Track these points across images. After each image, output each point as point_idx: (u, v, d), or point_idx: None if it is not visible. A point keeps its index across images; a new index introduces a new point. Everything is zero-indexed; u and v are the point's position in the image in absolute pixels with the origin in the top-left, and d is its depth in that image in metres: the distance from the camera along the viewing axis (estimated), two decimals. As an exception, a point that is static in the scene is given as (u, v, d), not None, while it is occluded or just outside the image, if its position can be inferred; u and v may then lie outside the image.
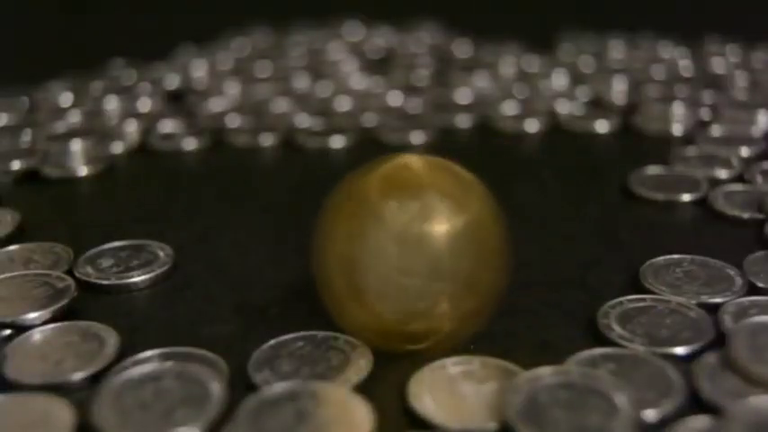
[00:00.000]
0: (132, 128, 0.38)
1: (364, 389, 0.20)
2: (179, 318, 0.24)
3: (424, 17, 0.55)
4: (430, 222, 0.19)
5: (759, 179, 0.31)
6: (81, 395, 0.20)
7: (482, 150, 0.36)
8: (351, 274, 0.20)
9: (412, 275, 0.19)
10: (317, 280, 0.21)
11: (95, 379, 0.20)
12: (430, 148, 0.36)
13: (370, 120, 0.38)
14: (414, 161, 0.20)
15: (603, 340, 0.22)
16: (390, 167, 0.20)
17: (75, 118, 0.39)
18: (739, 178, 0.31)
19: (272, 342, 0.22)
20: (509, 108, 0.39)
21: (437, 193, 0.20)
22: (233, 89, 0.43)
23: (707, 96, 0.40)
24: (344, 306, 0.21)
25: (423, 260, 0.19)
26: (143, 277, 0.25)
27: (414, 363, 0.20)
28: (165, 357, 0.21)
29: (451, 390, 0.20)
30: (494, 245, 0.20)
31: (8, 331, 0.23)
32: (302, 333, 0.22)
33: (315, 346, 0.21)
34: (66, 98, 0.42)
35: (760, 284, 0.24)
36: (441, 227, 0.19)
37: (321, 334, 0.22)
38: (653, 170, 0.32)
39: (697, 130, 0.37)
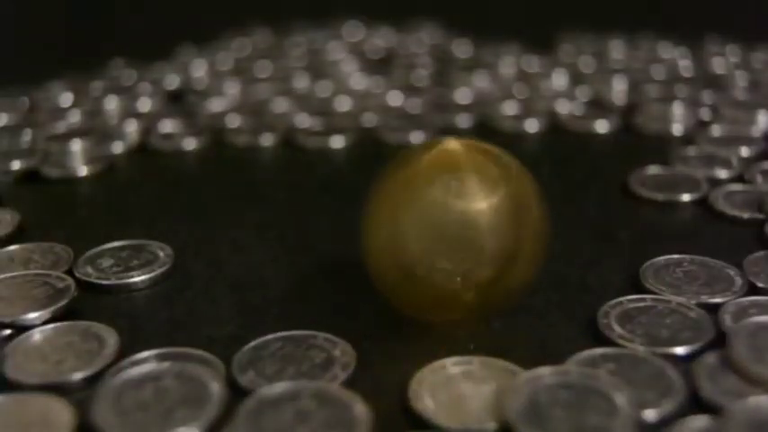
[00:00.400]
0: (132, 128, 0.38)
1: (364, 389, 0.20)
2: (179, 318, 0.24)
3: (424, 17, 0.55)
4: (471, 200, 0.21)
5: (759, 179, 0.31)
6: (81, 395, 0.20)
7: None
8: (399, 252, 0.21)
9: (457, 251, 0.21)
10: (367, 260, 0.22)
11: (95, 379, 0.20)
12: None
13: (370, 120, 0.39)
14: (454, 144, 0.21)
15: (603, 340, 0.22)
16: (435, 151, 0.21)
17: (75, 118, 0.39)
18: (739, 178, 0.31)
19: (252, 344, 0.22)
20: (509, 108, 0.39)
21: (477, 173, 0.21)
22: (233, 89, 0.43)
23: (707, 96, 0.40)
24: (394, 282, 0.22)
25: (466, 236, 0.21)
26: (143, 277, 0.25)
27: (414, 363, 0.21)
28: (161, 358, 0.21)
29: (451, 390, 0.20)
30: (533, 218, 0.22)
31: (8, 331, 0.23)
32: (280, 333, 0.22)
33: (295, 345, 0.21)
34: (66, 98, 0.42)
35: (760, 284, 0.24)
36: (482, 203, 0.21)
37: (299, 333, 0.22)
38: (653, 170, 0.32)
39: (697, 130, 0.37)
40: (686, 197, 0.30)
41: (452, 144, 0.21)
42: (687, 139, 0.36)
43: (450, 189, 0.21)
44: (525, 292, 0.22)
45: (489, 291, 0.21)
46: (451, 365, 0.20)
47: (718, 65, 0.45)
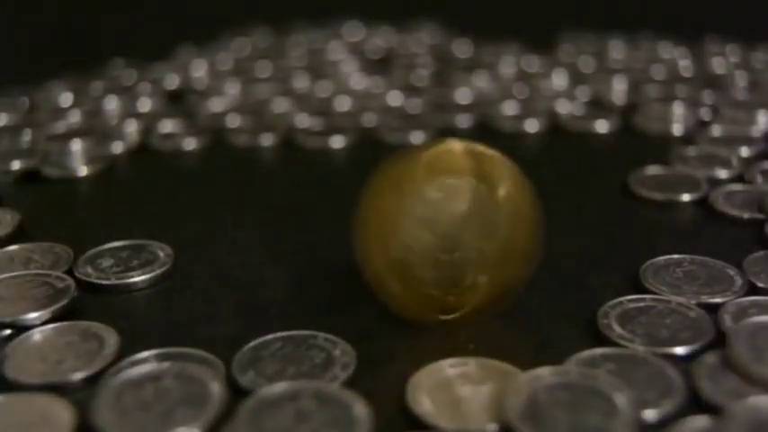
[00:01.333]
0: (132, 128, 0.38)
1: (363, 390, 0.20)
2: (179, 318, 0.24)
3: (424, 17, 0.55)
4: (468, 200, 0.21)
5: (759, 179, 0.31)
6: (81, 395, 0.20)
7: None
8: (391, 250, 0.21)
9: (451, 251, 0.21)
10: (358, 254, 0.22)
11: (95, 379, 0.20)
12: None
13: (370, 120, 0.38)
14: (454, 145, 0.22)
15: (603, 340, 0.22)
16: (432, 152, 0.22)
17: (75, 118, 0.39)
18: (739, 178, 0.31)
19: (252, 344, 0.22)
20: (509, 108, 0.39)
21: (474, 175, 0.21)
22: (233, 89, 0.43)
23: (707, 96, 0.40)
24: (384, 280, 0.22)
25: (461, 236, 0.21)
26: (143, 277, 0.25)
27: (413, 363, 0.21)
28: (161, 358, 0.21)
29: (450, 391, 0.20)
30: (527, 221, 0.22)
31: (8, 331, 0.23)
32: (280, 333, 0.22)
33: (295, 345, 0.21)
34: (66, 98, 0.42)
35: (760, 284, 0.24)
36: (479, 203, 0.21)
37: (299, 333, 0.22)
38: (653, 170, 0.32)
39: (697, 130, 0.37)
40: (686, 197, 0.30)
41: (450, 145, 0.22)
42: (687, 139, 0.36)
43: (446, 190, 0.21)
44: (518, 293, 0.22)
45: (485, 291, 0.21)
46: (449, 367, 0.20)
47: (718, 65, 0.45)
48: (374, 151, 0.36)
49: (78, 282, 0.25)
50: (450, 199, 0.21)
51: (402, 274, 0.21)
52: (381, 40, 0.52)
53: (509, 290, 0.22)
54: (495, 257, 0.21)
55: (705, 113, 0.38)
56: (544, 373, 0.19)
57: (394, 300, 0.22)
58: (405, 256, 0.21)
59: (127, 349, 0.22)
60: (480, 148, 0.22)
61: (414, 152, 0.22)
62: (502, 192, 0.21)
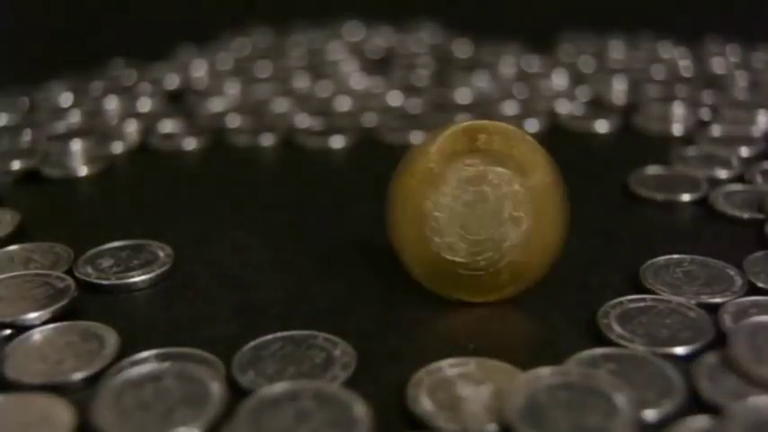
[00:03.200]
0: (132, 128, 0.38)
1: (363, 390, 0.20)
2: (179, 318, 0.24)
3: (424, 17, 0.55)
4: (493, 183, 0.22)
5: (759, 179, 0.31)
6: (81, 395, 0.20)
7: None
8: (424, 230, 0.22)
9: (476, 232, 0.22)
10: (394, 239, 0.23)
11: (95, 379, 0.20)
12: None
13: (370, 120, 0.38)
14: (482, 125, 0.23)
15: (603, 340, 0.22)
16: (457, 132, 0.23)
17: (75, 118, 0.39)
18: (739, 178, 0.31)
19: (252, 344, 0.22)
20: (509, 108, 0.39)
21: (502, 157, 0.22)
22: (233, 89, 0.43)
23: (707, 96, 0.40)
24: (418, 258, 0.23)
25: (485, 217, 0.22)
26: (143, 277, 0.25)
27: (414, 363, 0.21)
28: (161, 358, 0.21)
29: (450, 391, 0.20)
30: (552, 207, 0.23)
31: (8, 331, 0.23)
32: (280, 333, 0.22)
33: (295, 345, 0.21)
34: (66, 98, 0.42)
35: (760, 284, 0.24)
36: (504, 188, 0.22)
37: (299, 333, 0.22)
38: (653, 170, 0.32)
39: (697, 130, 0.37)
40: (686, 197, 0.30)
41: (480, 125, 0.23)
42: (687, 139, 0.36)
43: (472, 172, 0.22)
44: (543, 275, 0.23)
45: (513, 271, 0.23)
46: (449, 367, 0.20)
47: (718, 65, 0.45)
48: (374, 151, 0.36)
49: (78, 282, 0.25)
50: (472, 180, 0.22)
51: (434, 253, 0.22)
52: (381, 40, 0.52)
53: (532, 272, 0.23)
54: (515, 241, 0.22)
55: (705, 113, 0.38)
56: (544, 373, 0.19)
57: (429, 279, 0.23)
58: (435, 237, 0.22)
59: (127, 349, 0.22)
60: (510, 128, 0.23)
61: (437, 134, 0.23)
62: (526, 177, 0.22)
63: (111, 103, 0.41)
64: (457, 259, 0.23)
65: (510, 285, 0.23)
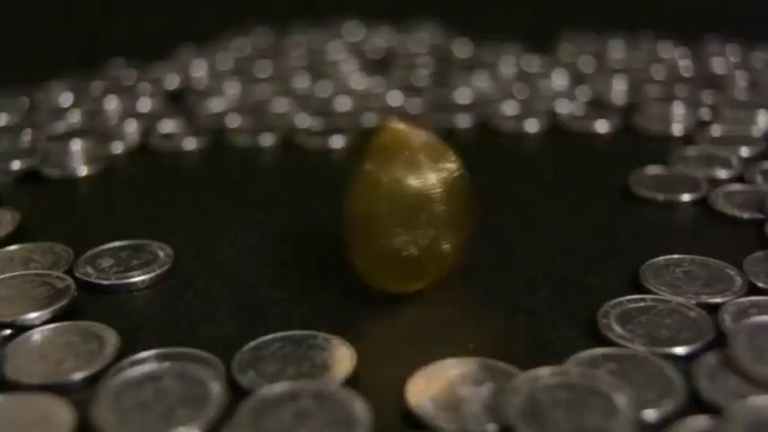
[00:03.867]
0: (132, 128, 0.38)
1: (363, 390, 0.20)
2: (179, 318, 0.24)
3: (424, 17, 0.55)
4: (417, 177, 0.23)
5: (759, 179, 0.31)
6: (81, 395, 0.20)
7: (482, 150, 0.36)
8: (363, 227, 0.23)
9: (407, 225, 0.22)
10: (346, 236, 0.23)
11: (95, 379, 0.20)
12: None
13: (370, 120, 0.38)
14: (399, 127, 0.23)
15: (603, 340, 0.22)
16: (380, 136, 0.23)
17: (75, 118, 0.39)
18: (739, 178, 0.31)
19: (252, 344, 0.22)
20: (509, 108, 0.39)
21: (421, 153, 0.23)
22: (233, 89, 0.43)
23: (707, 96, 0.40)
24: (362, 254, 0.23)
25: (420, 206, 0.22)
26: (143, 277, 0.25)
27: (413, 363, 0.21)
28: (161, 358, 0.21)
29: (450, 391, 0.20)
30: (463, 192, 0.23)
31: (8, 331, 0.23)
32: (280, 333, 0.22)
33: (295, 345, 0.21)
34: (66, 98, 0.42)
35: (760, 284, 0.24)
36: (428, 179, 0.23)
37: (299, 333, 0.22)
38: (653, 170, 0.32)
39: (697, 130, 0.37)
40: (686, 197, 0.30)
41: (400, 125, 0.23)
42: (687, 139, 0.36)
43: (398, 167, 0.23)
44: (459, 257, 0.24)
45: (441, 255, 0.23)
46: (449, 367, 0.20)
47: (718, 65, 0.45)
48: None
49: (78, 282, 0.25)
50: (399, 176, 0.22)
51: (375, 247, 0.23)
52: (381, 40, 0.52)
53: (454, 253, 0.23)
54: (446, 227, 0.23)
55: (705, 113, 0.38)
56: (544, 373, 0.19)
57: (368, 269, 0.23)
58: (374, 232, 0.23)
59: (127, 349, 0.22)
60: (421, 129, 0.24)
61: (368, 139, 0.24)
62: (444, 168, 0.23)
63: (111, 103, 0.41)
64: (395, 247, 0.23)
65: (433, 272, 0.23)
